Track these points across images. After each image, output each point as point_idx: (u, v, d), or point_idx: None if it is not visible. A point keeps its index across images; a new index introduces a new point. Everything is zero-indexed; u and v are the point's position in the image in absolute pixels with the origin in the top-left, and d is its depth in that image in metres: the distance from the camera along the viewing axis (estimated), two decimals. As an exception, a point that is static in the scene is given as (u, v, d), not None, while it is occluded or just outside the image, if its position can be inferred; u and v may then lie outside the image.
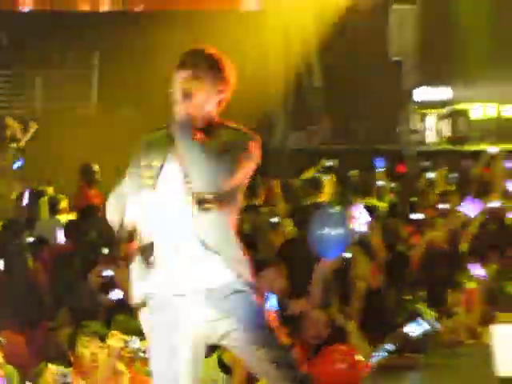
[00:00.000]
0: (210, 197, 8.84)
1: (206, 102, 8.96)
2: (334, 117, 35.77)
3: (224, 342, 9.23)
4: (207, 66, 8.99)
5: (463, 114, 37.42)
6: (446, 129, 37.23)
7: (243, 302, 9.15)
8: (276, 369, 9.13)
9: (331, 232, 15.18)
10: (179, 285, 9.04)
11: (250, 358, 9.26)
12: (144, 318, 9.34)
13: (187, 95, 8.87)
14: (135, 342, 12.71)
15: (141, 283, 9.14)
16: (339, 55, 35.58)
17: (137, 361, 13.06)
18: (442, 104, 37.45)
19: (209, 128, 9.02)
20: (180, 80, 8.95)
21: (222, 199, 8.93)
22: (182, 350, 9.05)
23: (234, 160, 8.84)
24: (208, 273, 9.07)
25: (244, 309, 9.14)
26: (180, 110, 8.86)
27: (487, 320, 17.41)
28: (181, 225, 8.98)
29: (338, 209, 16.22)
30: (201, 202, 8.85)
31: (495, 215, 21.42)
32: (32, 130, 30.09)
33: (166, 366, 9.16)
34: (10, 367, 11.91)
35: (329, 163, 28.28)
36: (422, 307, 17.37)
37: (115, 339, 12.67)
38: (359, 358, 15.08)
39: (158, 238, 9.08)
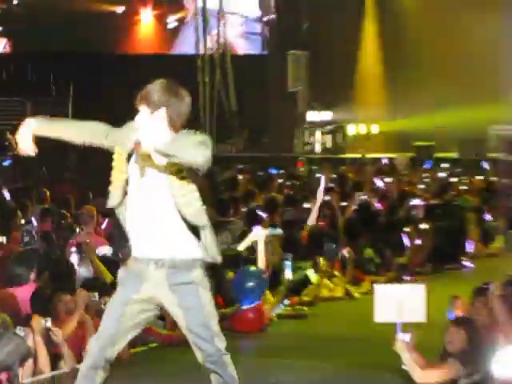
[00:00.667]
0: None
1: None
2: (248, 132, 35.47)
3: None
4: None
5: (341, 130, 37.12)
6: (329, 141, 36.89)
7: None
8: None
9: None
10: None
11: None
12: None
13: None
14: (96, 297, 12.70)
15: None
16: (248, 86, 35.23)
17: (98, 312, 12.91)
18: (326, 123, 37.09)
19: None
20: None
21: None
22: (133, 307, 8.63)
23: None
24: None
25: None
26: None
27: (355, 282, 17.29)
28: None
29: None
30: None
31: (364, 205, 21.14)
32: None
33: (113, 316, 8.78)
34: (4, 315, 11.43)
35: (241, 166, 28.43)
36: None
37: (82, 294, 12.34)
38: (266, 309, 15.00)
39: None
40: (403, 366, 10.90)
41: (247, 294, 14.97)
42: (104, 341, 8.68)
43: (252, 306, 14.96)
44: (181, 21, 39.84)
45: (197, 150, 8.19)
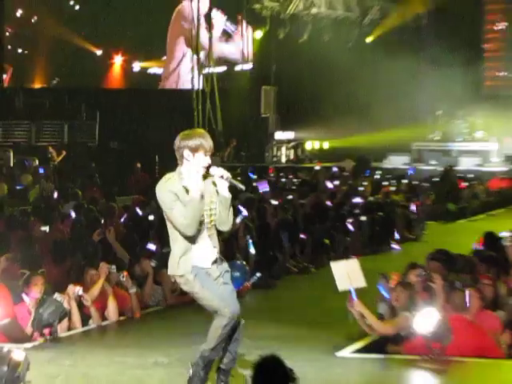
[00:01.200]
0: None
1: None
2: (236, 144, 35.32)
3: None
4: None
5: (301, 146, 37.02)
6: (291, 154, 36.78)
7: None
8: None
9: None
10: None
11: None
12: None
13: None
14: (114, 269, 12.71)
15: None
16: (233, 111, 35.01)
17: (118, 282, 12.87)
18: (289, 141, 36.98)
19: None
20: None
21: None
22: None
23: None
24: None
25: None
26: None
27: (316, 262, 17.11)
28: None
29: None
30: None
31: (318, 201, 21.07)
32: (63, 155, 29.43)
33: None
34: (49, 285, 11.51)
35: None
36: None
37: (104, 268, 12.45)
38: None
39: None
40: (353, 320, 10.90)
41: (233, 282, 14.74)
42: None
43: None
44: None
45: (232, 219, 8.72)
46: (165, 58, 38.83)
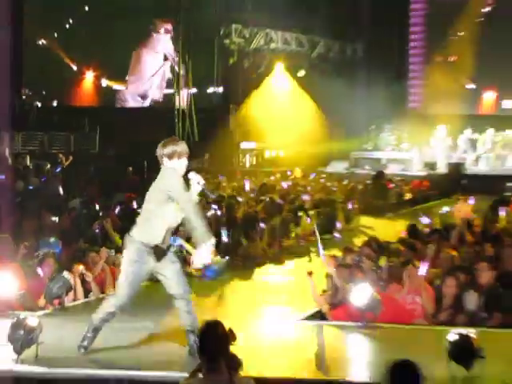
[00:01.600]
0: None
1: None
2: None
3: None
4: None
5: (261, 154, 36.95)
6: (254, 160, 36.73)
7: None
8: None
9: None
10: None
11: None
12: None
13: None
14: (113, 253, 12.97)
15: None
16: (206, 127, 34.93)
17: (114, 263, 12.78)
18: (252, 149, 36.89)
19: None
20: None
21: None
22: None
23: None
24: None
25: None
26: None
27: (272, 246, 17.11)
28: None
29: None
30: None
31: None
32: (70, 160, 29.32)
33: None
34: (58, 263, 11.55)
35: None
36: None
37: (104, 251, 12.77)
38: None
39: None
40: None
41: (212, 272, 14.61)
42: None
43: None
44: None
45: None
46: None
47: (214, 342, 6.14)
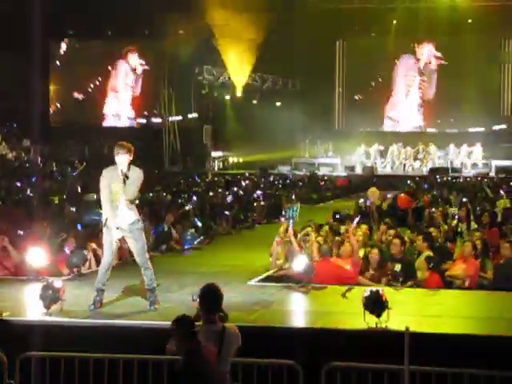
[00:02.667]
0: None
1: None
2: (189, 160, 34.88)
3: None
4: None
5: (226, 160, 36.96)
6: (221, 165, 36.71)
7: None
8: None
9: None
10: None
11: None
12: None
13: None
14: None
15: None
16: (186, 141, 34.78)
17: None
18: (219, 157, 36.88)
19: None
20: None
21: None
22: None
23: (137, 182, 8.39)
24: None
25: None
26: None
27: (234, 228, 17.01)
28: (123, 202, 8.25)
29: None
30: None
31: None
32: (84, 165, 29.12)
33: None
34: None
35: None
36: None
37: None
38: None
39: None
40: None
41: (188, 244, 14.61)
42: None
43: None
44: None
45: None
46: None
47: (215, 298, 6.01)
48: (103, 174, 8.87)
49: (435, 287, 10.20)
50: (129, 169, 8.71)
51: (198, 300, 6.19)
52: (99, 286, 8.97)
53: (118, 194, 8.69)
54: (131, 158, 8.74)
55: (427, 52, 37.86)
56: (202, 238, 15.25)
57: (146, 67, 36.41)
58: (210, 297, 6.02)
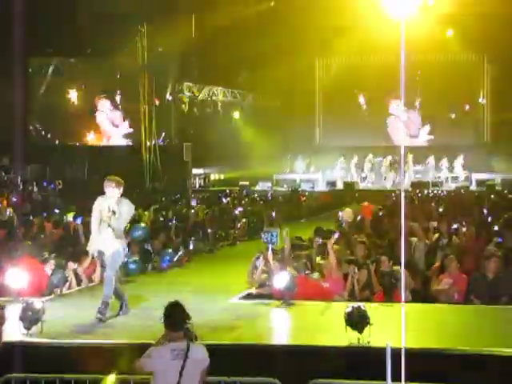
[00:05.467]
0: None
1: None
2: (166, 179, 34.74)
3: None
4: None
5: (208, 177, 36.98)
6: (202, 182, 36.69)
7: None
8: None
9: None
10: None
11: None
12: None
13: None
14: None
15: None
16: (167, 159, 34.77)
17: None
18: (200, 174, 36.89)
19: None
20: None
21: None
22: None
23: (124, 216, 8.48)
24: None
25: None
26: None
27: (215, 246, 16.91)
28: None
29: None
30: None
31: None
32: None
33: None
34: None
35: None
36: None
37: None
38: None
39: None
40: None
41: (166, 262, 14.32)
42: None
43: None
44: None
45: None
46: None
47: (177, 315, 6.17)
48: (96, 202, 9.40)
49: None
50: (118, 202, 9.08)
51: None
52: (107, 300, 9.33)
53: (105, 222, 9.20)
54: (120, 192, 9.11)
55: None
56: (180, 254, 15.16)
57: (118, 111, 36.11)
58: (172, 314, 6.18)
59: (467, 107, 37.98)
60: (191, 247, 16.16)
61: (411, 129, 38.39)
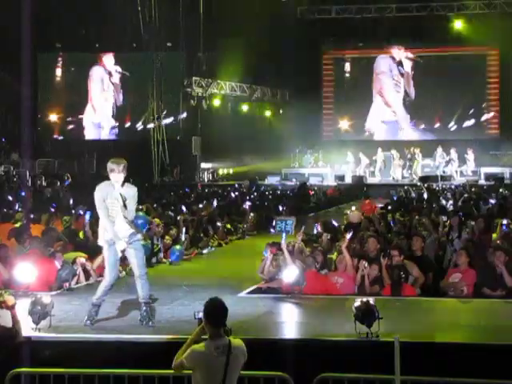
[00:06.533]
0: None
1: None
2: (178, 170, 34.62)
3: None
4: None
5: (216, 171, 36.91)
6: (211, 176, 36.62)
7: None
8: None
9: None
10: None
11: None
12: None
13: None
14: None
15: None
16: (175, 151, 34.77)
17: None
18: (209, 168, 36.87)
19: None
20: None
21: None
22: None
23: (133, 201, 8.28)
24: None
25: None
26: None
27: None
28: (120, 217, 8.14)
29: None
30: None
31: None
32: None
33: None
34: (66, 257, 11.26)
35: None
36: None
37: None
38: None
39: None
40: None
41: (175, 257, 14.36)
42: None
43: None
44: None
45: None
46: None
47: (221, 313, 5.99)
48: (97, 190, 8.78)
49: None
50: (122, 186, 8.68)
51: (201, 316, 6.16)
52: (96, 302, 8.91)
53: (113, 211, 8.68)
54: (125, 175, 8.69)
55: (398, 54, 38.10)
56: (190, 250, 15.17)
57: (126, 73, 35.85)
58: (217, 311, 6.00)
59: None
60: (200, 242, 16.16)
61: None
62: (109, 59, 36.30)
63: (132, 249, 8.82)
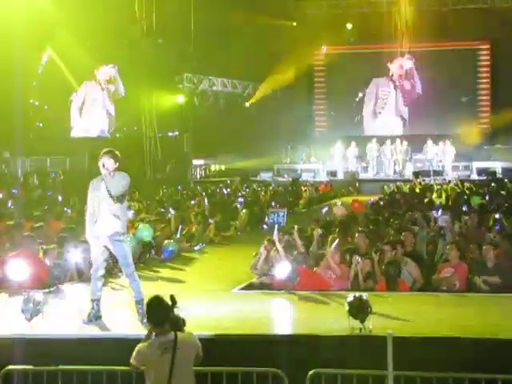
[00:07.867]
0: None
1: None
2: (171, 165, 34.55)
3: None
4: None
5: (208, 168, 36.92)
6: (203, 173, 36.61)
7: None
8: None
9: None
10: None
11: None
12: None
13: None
14: None
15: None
16: (167, 149, 34.71)
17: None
18: (201, 165, 36.86)
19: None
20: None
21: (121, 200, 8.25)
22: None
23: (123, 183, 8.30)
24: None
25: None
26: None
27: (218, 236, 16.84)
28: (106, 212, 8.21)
29: None
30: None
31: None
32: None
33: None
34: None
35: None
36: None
37: None
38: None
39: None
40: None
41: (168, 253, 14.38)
42: None
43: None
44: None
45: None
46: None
47: (158, 312, 6.11)
48: (90, 186, 8.75)
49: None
50: (113, 176, 8.51)
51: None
52: (94, 297, 8.85)
53: (101, 201, 8.55)
54: (116, 166, 8.53)
55: (397, 66, 37.99)
56: (182, 245, 15.12)
57: (111, 87, 35.57)
58: (153, 310, 6.15)
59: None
60: (192, 238, 16.13)
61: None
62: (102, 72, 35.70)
63: (112, 250, 8.78)
